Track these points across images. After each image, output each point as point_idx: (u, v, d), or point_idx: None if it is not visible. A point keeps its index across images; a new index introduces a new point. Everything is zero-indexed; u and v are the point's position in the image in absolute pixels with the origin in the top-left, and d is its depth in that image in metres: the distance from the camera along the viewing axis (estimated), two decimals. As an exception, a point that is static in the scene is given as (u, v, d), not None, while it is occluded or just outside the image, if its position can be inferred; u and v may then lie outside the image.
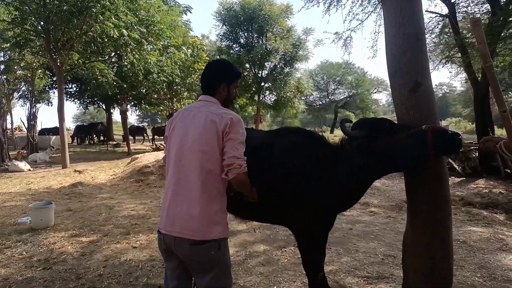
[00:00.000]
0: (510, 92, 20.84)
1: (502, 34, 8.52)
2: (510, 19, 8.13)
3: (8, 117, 20.19)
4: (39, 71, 18.25)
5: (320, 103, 43.24)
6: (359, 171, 2.32)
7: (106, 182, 10.17)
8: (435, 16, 10.67)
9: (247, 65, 24.00)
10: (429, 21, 10.95)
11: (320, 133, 2.94)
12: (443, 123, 30.17)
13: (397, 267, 3.75)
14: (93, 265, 3.89)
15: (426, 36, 10.94)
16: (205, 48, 20.47)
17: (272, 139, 2.68)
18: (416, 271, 2.41)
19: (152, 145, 22.29)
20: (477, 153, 9.60)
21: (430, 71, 2.34)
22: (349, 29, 10.29)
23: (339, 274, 3.64)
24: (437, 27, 11.02)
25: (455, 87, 57.60)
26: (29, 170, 12.48)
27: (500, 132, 18.13)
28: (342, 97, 43.15)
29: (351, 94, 41.57)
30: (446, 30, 10.87)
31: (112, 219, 5.89)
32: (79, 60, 14.43)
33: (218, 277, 1.92)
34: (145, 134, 28.16)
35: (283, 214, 2.59)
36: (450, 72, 17.95)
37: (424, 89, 2.27)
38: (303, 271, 2.96)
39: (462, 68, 13.33)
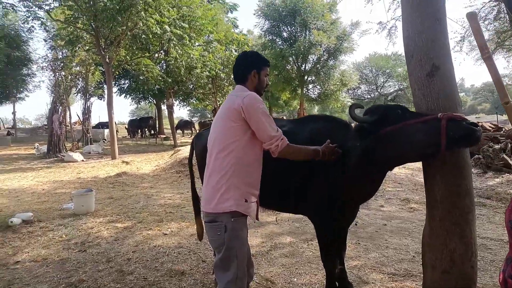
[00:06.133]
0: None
1: None
2: None
3: (68, 111, 21.79)
4: (92, 67, 19.36)
5: (369, 96, 41.70)
6: (363, 157, 2.19)
7: (150, 172, 10.60)
8: (489, 1, 9.88)
9: (290, 59, 23.75)
10: (482, 7, 10.17)
11: None
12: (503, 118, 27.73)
13: (426, 265, 3.54)
14: (123, 250, 4.07)
15: (480, 22, 10.25)
16: (250, 44, 20.52)
17: (298, 126, 2.62)
18: (435, 267, 2.24)
19: (198, 139, 22.76)
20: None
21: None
22: (393, 18, 9.83)
23: (363, 269, 3.50)
24: (491, 13, 10.22)
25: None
26: (82, 160, 13.34)
27: None
28: (392, 90, 41.30)
29: (401, 87, 39.65)
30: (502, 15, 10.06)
31: (148, 207, 6.14)
32: (127, 56, 15.09)
33: (224, 262, 1.99)
34: (193, 128, 29.13)
35: (300, 201, 2.53)
36: (507, 61, 16.55)
37: (442, 73, 2.09)
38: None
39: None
